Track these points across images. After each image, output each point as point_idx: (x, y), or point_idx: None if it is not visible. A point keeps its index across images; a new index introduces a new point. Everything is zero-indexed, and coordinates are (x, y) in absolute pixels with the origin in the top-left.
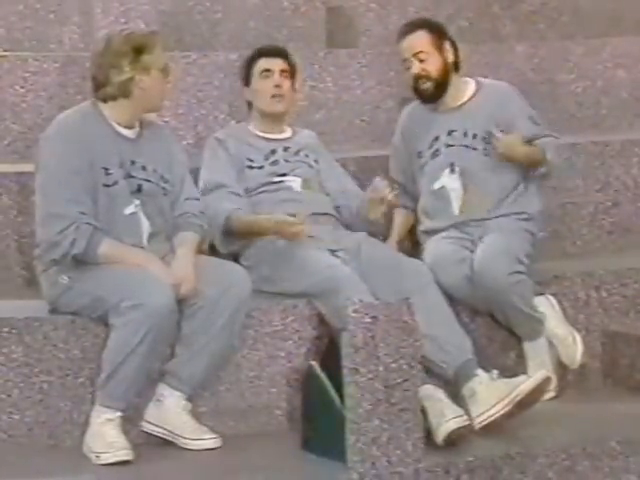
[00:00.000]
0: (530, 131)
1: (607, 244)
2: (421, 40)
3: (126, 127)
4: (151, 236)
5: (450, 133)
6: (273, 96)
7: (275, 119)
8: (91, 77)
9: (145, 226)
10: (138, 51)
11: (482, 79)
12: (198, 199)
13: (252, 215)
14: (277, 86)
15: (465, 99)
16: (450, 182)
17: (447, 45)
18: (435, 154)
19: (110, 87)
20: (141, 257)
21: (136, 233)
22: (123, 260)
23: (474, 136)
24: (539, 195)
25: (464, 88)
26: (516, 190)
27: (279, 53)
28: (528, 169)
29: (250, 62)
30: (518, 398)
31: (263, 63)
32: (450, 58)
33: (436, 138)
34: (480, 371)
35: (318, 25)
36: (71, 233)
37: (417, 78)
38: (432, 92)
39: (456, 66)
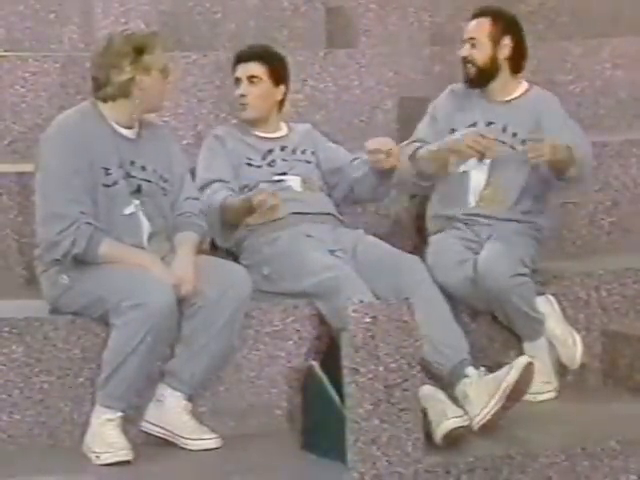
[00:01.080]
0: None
1: (606, 244)
2: (480, 27)
3: (126, 127)
4: (151, 236)
5: (488, 124)
6: (239, 104)
7: (256, 123)
8: (92, 77)
9: (145, 226)
10: (139, 51)
11: (534, 85)
12: (198, 199)
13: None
14: (241, 95)
15: (513, 97)
16: (475, 171)
17: (507, 40)
18: None
19: (110, 87)
20: (141, 257)
21: (136, 233)
22: (123, 260)
23: (514, 135)
24: (552, 216)
25: (514, 87)
26: (537, 202)
27: (251, 57)
28: (557, 172)
29: (232, 68)
30: (508, 390)
31: (236, 69)
32: (505, 54)
33: (474, 124)
34: (470, 370)
35: (318, 25)
36: (71, 233)
37: (464, 60)
38: (473, 78)
39: (514, 65)
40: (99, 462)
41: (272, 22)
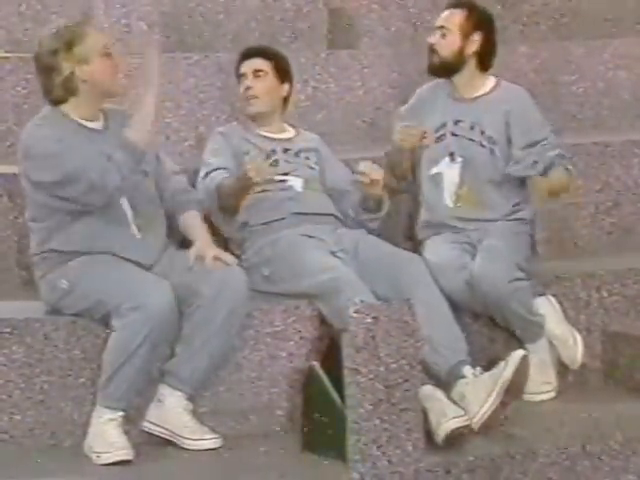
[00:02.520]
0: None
1: (607, 244)
2: (452, 17)
3: (91, 120)
4: (141, 226)
5: (457, 123)
6: (245, 99)
7: (261, 119)
8: (39, 83)
9: (129, 215)
10: (69, 45)
11: (503, 80)
12: (178, 173)
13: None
14: (247, 88)
15: (480, 93)
16: (448, 170)
17: (477, 36)
18: (440, 139)
19: (55, 89)
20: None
21: (123, 223)
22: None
23: (482, 132)
24: (532, 199)
25: (481, 83)
26: (516, 193)
27: (255, 53)
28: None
29: (236, 66)
30: (505, 386)
31: (241, 66)
32: (472, 48)
33: (443, 124)
34: (467, 369)
35: (320, 26)
36: (99, 176)
37: (430, 48)
38: (435, 67)
39: (481, 61)
40: (100, 462)
41: (274, 23)
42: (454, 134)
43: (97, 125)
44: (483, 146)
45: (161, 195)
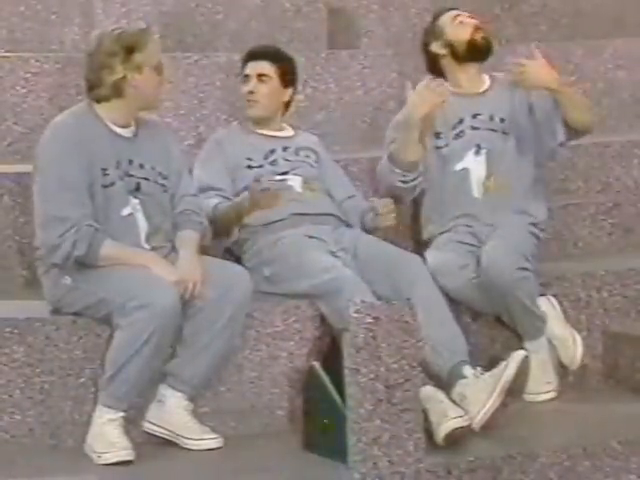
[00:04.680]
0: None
1: (608, 245)
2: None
3: (122, 126)
4: (149, 236)
5: (475, 116)
6: (247, 101)
7: (261, 121)
8: (84, 78)
9: (142, 227)
10: (129, 50)
11: (494, 74)
12: (196, 195)
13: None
14: (250, 92)
15: (484, 88)
16: (474, 164)
17: None
18: (459, 136)
19: (103, 88)
20: (143, 257)
21: (133, 234)
22: (125, 261)
23: (502, 120)
24: (546, 202)
25: (481, 79)
26: (532, 187)
27: (262, 55)
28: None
29: (242, 65)
30: (506, 386)
31: (246, 67)
32: None
33: (460, 120)
34: (467, 369)
35: (319, 26)
36: (72, 235)
37: (479, 27)
38: (487, 46)
39: None
40: (101, 462)
41: (274, 23)
42: (474, 127)
43: (127, 132)
44: (505, 133)
45: (171, 211)
